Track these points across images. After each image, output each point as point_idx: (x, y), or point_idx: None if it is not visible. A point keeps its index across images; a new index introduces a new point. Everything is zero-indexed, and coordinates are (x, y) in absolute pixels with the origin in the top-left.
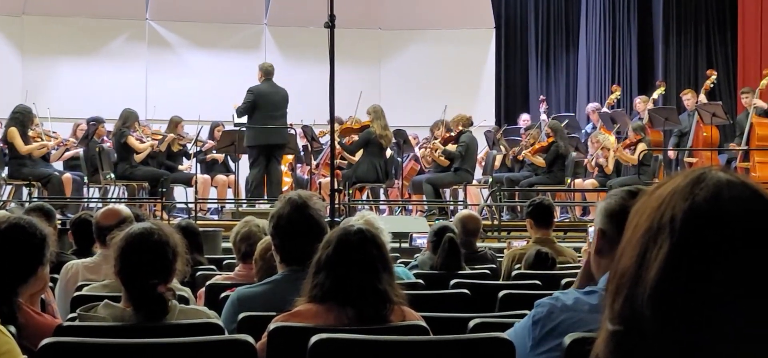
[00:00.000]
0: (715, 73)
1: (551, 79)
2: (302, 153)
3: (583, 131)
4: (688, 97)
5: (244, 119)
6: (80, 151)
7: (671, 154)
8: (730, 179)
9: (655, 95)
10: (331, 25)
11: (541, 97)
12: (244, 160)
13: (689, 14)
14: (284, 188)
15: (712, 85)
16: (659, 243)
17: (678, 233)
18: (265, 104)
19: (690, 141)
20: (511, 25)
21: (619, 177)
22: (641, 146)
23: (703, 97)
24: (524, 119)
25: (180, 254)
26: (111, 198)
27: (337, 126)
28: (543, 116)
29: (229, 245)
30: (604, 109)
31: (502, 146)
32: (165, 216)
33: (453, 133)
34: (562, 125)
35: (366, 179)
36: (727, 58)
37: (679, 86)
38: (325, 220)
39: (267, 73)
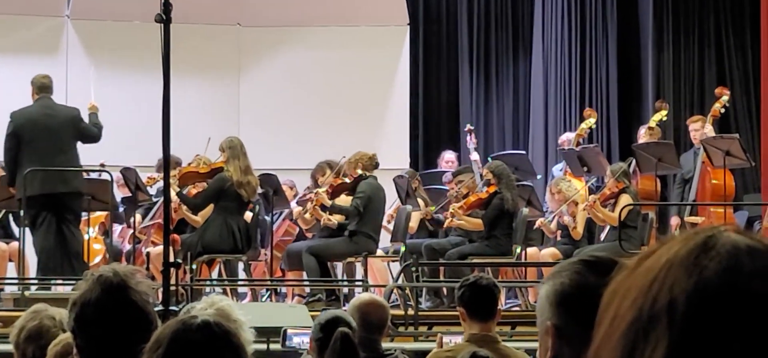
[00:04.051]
0: (728, 92)
1: (492, 100)
2: (121, 209)
3: (539, 177)
4: (696, 127)
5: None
6: None
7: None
8: (751, 244)
9: (652, 123)
10: (165, 18)
11: (468, 126)
12: None
13: (691, 8)
14: (94, 260)
15: (723, 110)
16: (653, 340)
17: (681, 323)
18: (34, 135)
19: (693, 191)
20: (433, 21)
21: (591, 244)
22: (624, 199)
23: (710, 129)
24: (448, 160)
25: None
26: None
27: (174, 169)
28: (473, 155)
29: (9, 347)
30: (571, 147)
31: (420, 199)
32: None
33: (348, 180)
34: (509, 169)
35: (218, 247)
36: (747, 70)
37: (678, 111)
38: (155, 308)
39: (42, 89)
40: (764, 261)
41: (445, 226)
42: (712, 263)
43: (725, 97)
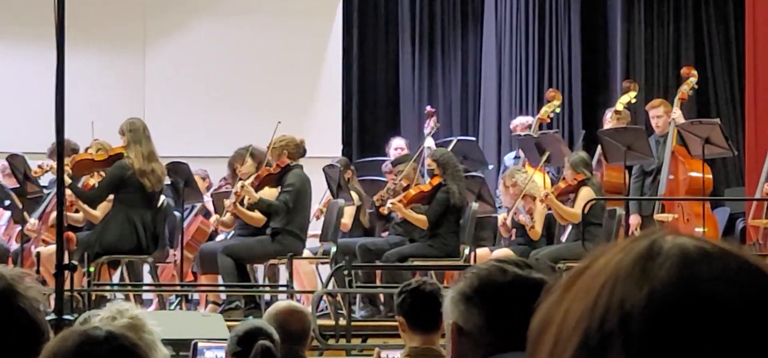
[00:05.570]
0: (696, 73)
1: (437, 78)
2: (8, 203)
3: (491, 167)
4: (659, 113)
5: None
6: None
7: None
8: (701, 247)
9: (619, 105)
10: None
11: (429, 108)
12: None
13: None
14: None
15: (690, 93)
16: None
17: (638, 340)
18: None
19: (662, 185)
20: None
21: (551, 244)
22: (585, 193)
23: (679, 113)
24: (398, 147)
25: None
26: None
27: (70, 156)
28: (428, 141)
29: None
30: (527, 133)
31: (354, 193)
32: None
33: (273, 170)
34: (456, 158)
35: (119, 247)
36: (729, 44)
37: (649, 92)
38: (47, 318)
39: None
40: (721, 264)
41: (386, 210)
42: (662, 271)
43: (693, 79)
